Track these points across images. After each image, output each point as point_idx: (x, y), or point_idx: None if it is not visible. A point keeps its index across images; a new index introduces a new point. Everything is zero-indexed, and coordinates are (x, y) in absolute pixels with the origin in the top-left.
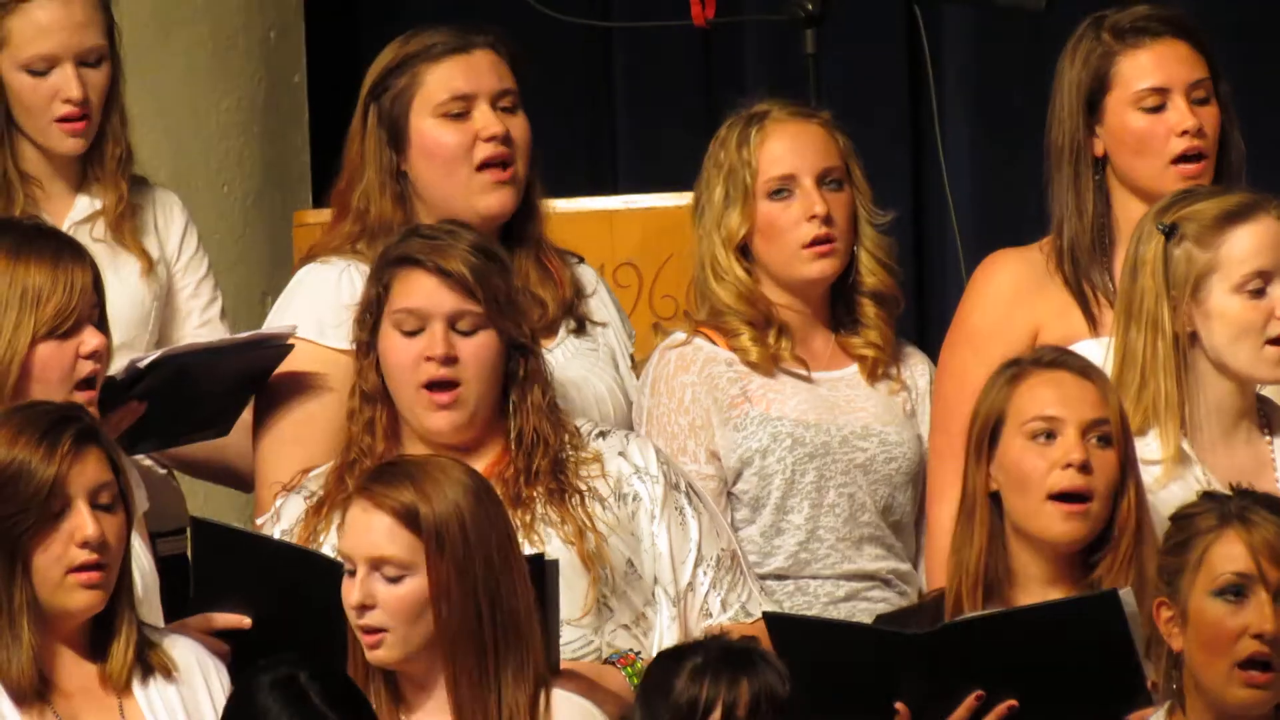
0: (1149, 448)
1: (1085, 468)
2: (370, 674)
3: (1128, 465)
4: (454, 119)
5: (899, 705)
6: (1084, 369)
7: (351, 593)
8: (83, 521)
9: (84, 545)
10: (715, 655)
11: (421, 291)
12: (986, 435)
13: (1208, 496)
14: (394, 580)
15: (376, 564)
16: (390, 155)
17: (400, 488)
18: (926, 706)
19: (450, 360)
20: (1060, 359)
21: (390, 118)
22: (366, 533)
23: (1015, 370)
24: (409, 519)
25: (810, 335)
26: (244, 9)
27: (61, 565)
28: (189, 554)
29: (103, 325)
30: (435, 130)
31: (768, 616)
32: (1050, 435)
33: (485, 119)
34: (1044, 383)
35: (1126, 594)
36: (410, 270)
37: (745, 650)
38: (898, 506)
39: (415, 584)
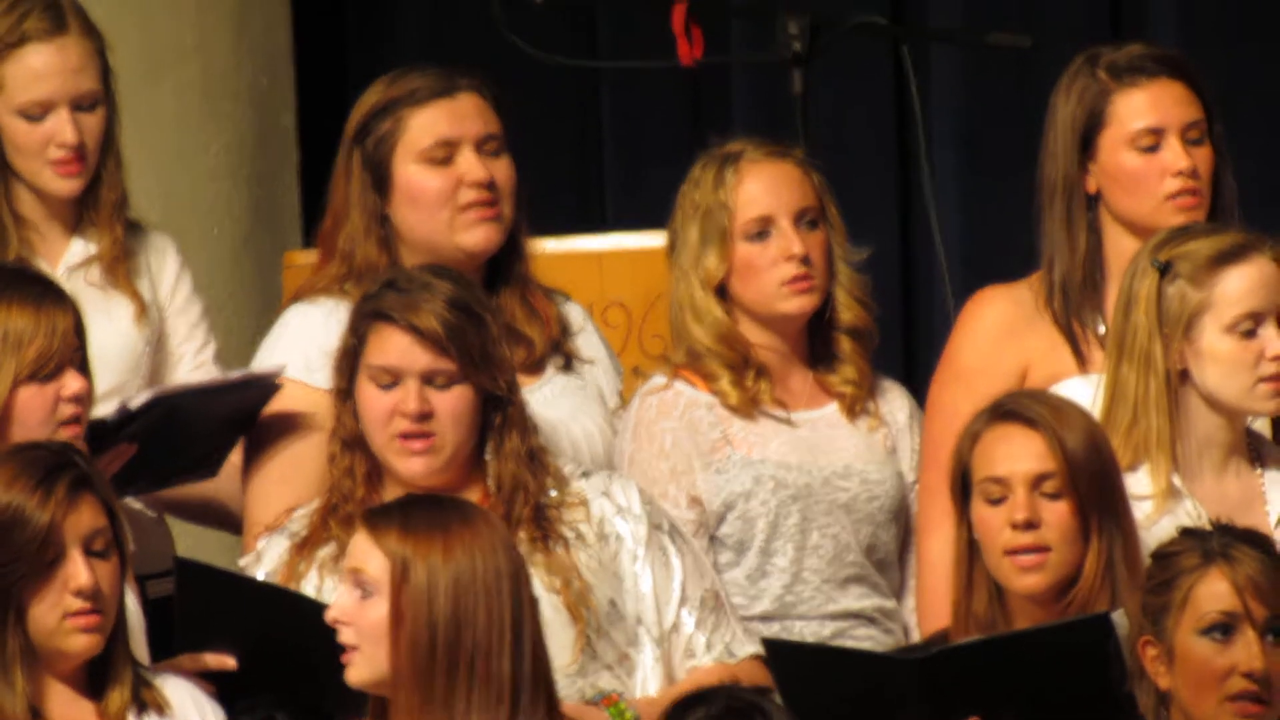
0: (1139, 483)
1: (1030, 526)
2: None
3: (1091, 511)
4: (438, 164)
5: None
6: (1033, 419)
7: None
8: (77, 570)
9: (78, 594)
10: (719, 709)
11: (395, 349)
12: (958, 489)
13: (1188, 534)
14: (365, 596)
15: (356, 579)
16: (374, 199)
17: (392, 516)
18: None
19: (424, 416)
20: (1011, 410)
21: (374, 162)
22: (353, 547)
23: (980, 424)
24: (383, 539)
25: (789, 374)
26: (234, 52)
27: (57, 612)
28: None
29: (84, 369)
30: (419, 176)
31: (766, 643)
32: (1000, 496)
33: (469, 164)
34: (994, 440)
35: (1119, 616)
36: (384, 326)
37: (751, 704)
38: (881, 545)
39: (381, 604)
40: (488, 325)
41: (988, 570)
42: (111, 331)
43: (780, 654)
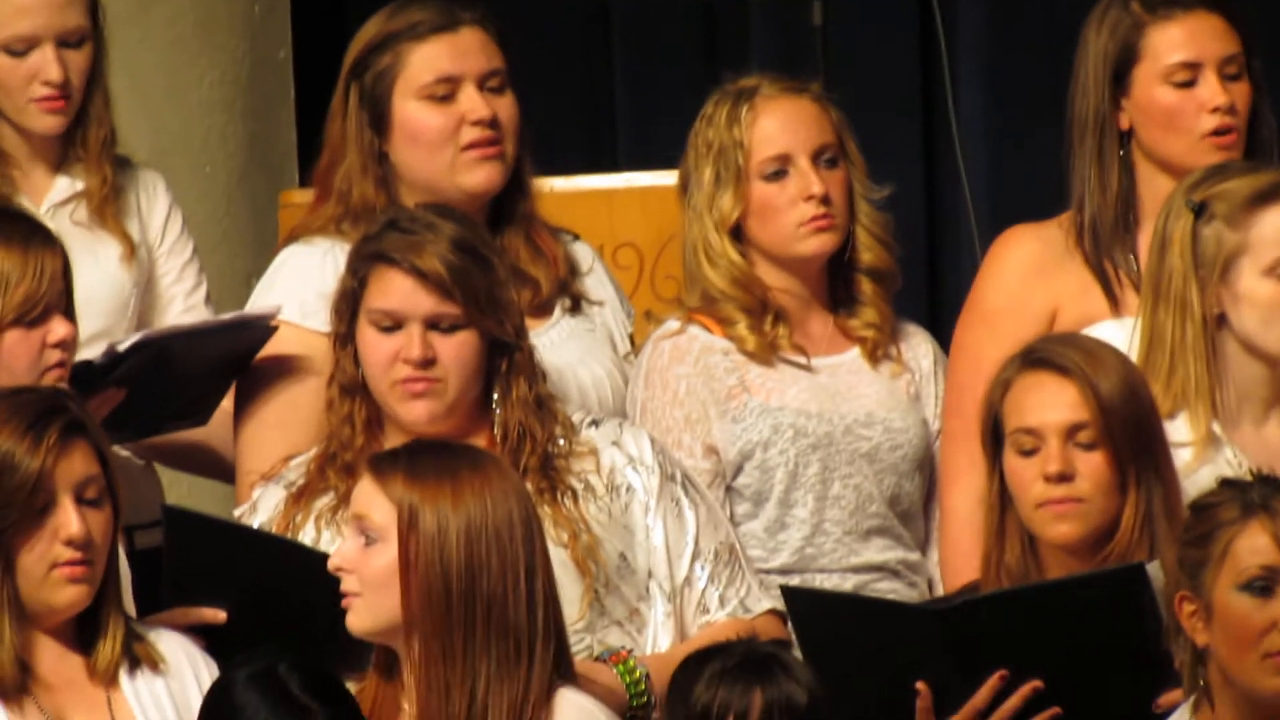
0: (1179, 431)
1: (1064, 478)
2: (382, 658)
3: (1128, 461)
4: (439, 101)
5: (920, 685)
6: (1066, 367)
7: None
8: (68, 519)
9: (69, 543)
10: (735, 661)
11: (397, 292)
12: (989, 441)
13: (1227, 484)
14: (368, 544)
15: (359, 525)
16: (372, 137)
17: (398, 461)
18: (949, 686)
19: (428, 362)
20: (1043, 357)
21: (372, 98)
22: (357, 493)
23: (1011, 371)
24: (389, 485)
25: (808, 319)
26: None
27: (45, 562)
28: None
29: (70, 314)
30: (419, 113)
31: (784, 591)
32: (1033, 448)
33: (472, 101)
34: (1026, 389)
35: (1154, 568)
36: (386, 268)
37: (767, 656)
38: (905, 495)
39: (386, 551)
40: (494, 267)
41: (1020, 521)
42: (98, 273)
43: (799, 602)
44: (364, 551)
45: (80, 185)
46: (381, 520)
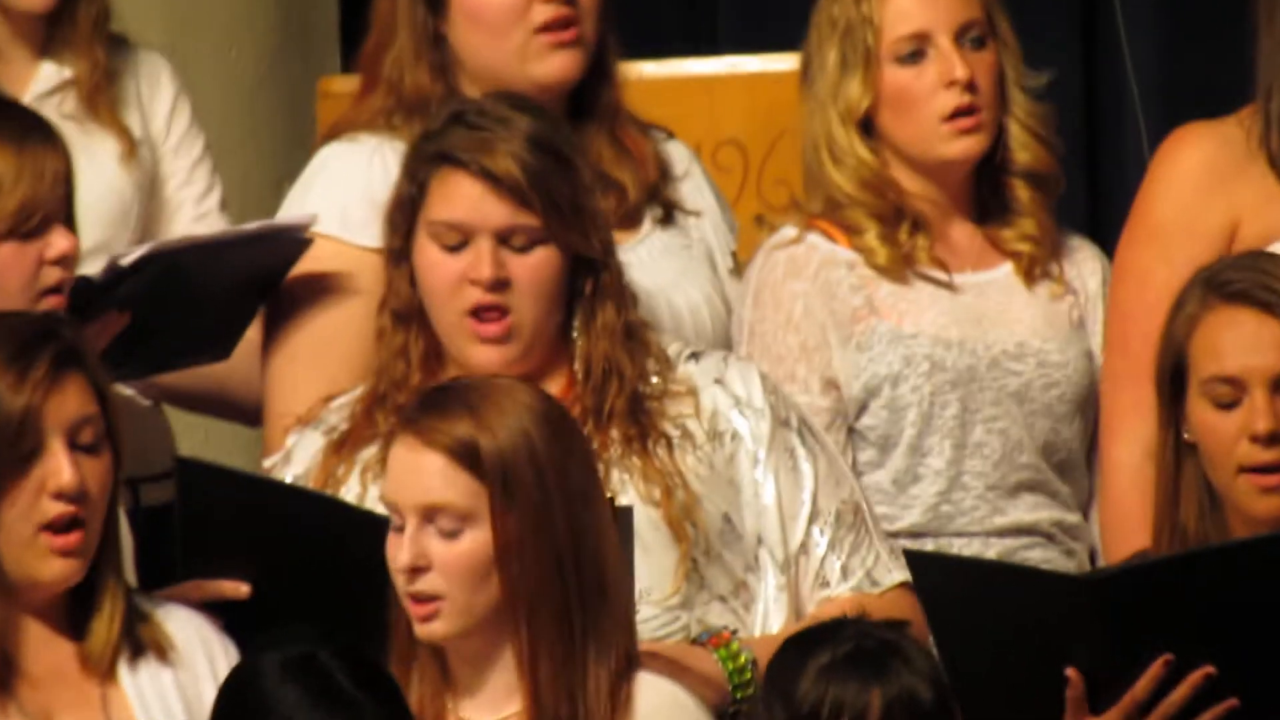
0: None
1: (1275, 437)
2: (415, 652)
3: None
4: None
5: (1070, 672)
6: (1270, 302)
7: (399, 552)
8: (59, 466)
9: (59, 496)
10: (847, 652)
11: (465, 200)
12: (1168, 385)
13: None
14: (451, 535)
15: (429, 514)
16: (426, 15)
17: (455, 418)
18: (1104, 672)
19: (500, 285)
20: (1243, 289)
21: None
22: (415, 475)
23: (1195, 304)
24: (467, 457)
25: (950, 229)
26: None
27: (31, 521)
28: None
29: (72, 225)
30: None
31: (907, 556)
32: (1233, 397)
33: None
34: (1222, 326)
35: None
36: (451, 171)
37: (884, 646)
38: (1062, 443)
39: (478, 538)
40: (578, 170)
41: (1199, 479)
42: (93, 175)
43: (926, 570)
44: (446, 545)
45: (68, 72)
46: (468, 504)
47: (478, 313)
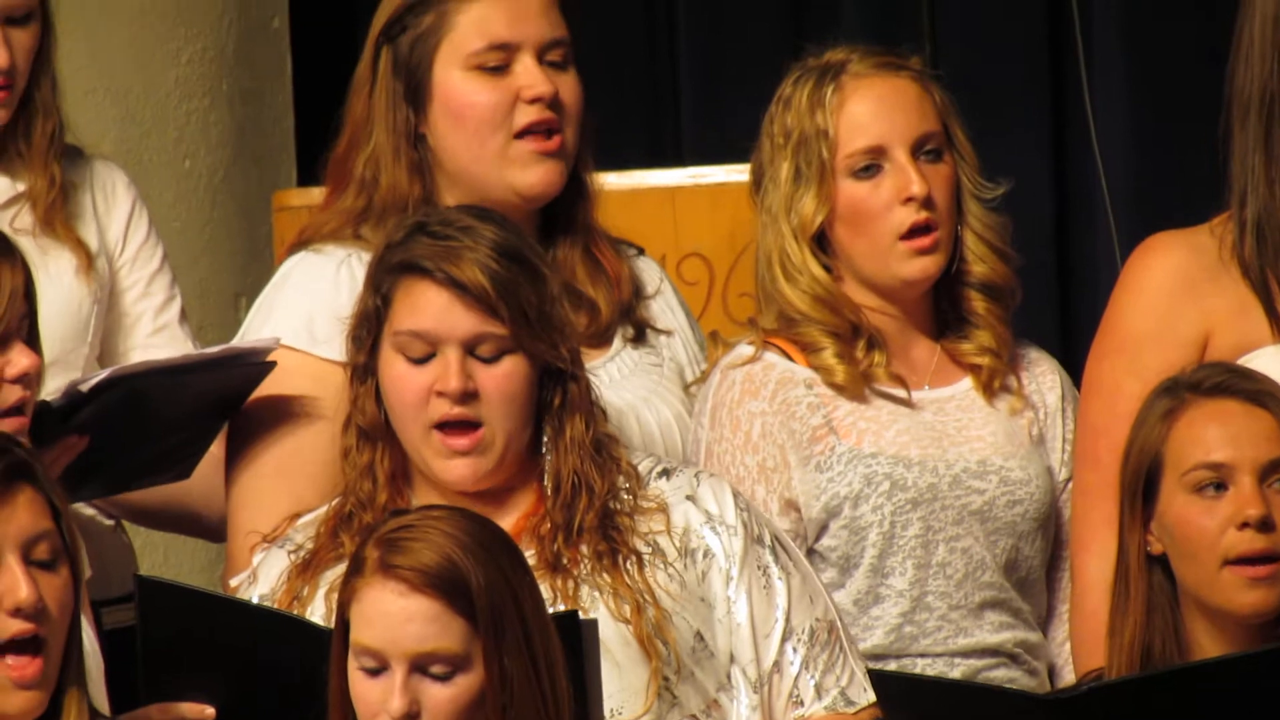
0: None
1: (1266, 524)
2: None
3: None
4: (490, 73)
5: None
6: (1257, 394)
7: (391, 697)
8: (14, 580)
9: (16, 613)
10: None
11: (431, 310)
12: (1140, 485)
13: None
14: (444, 678)
15: (422, 662)
16: (407, 113)
17: (434, 559)
18: None
19: (469, 396)
20: (1226, 383)
21: (408, 66)
22: (406, 624)
23: (1171, 402)
24: (459, 600)
25: (909, 345)
26: None
27: None
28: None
29: (34, 341)
30: (466, 86)
31: (873, 675)
32: (1220, 486)
33: (530, 75)
34: (1206, 418)
35: None
36: (417, 281)
37: None
38: (1024, 561)
39: (471, 680)
40: (545, 279)
41: (1168, 593)
42: (50, 289)
43: (890, 689)
44: (440, 689)
45: (22, 186)
46: (462, 648)
47: (446, 426)
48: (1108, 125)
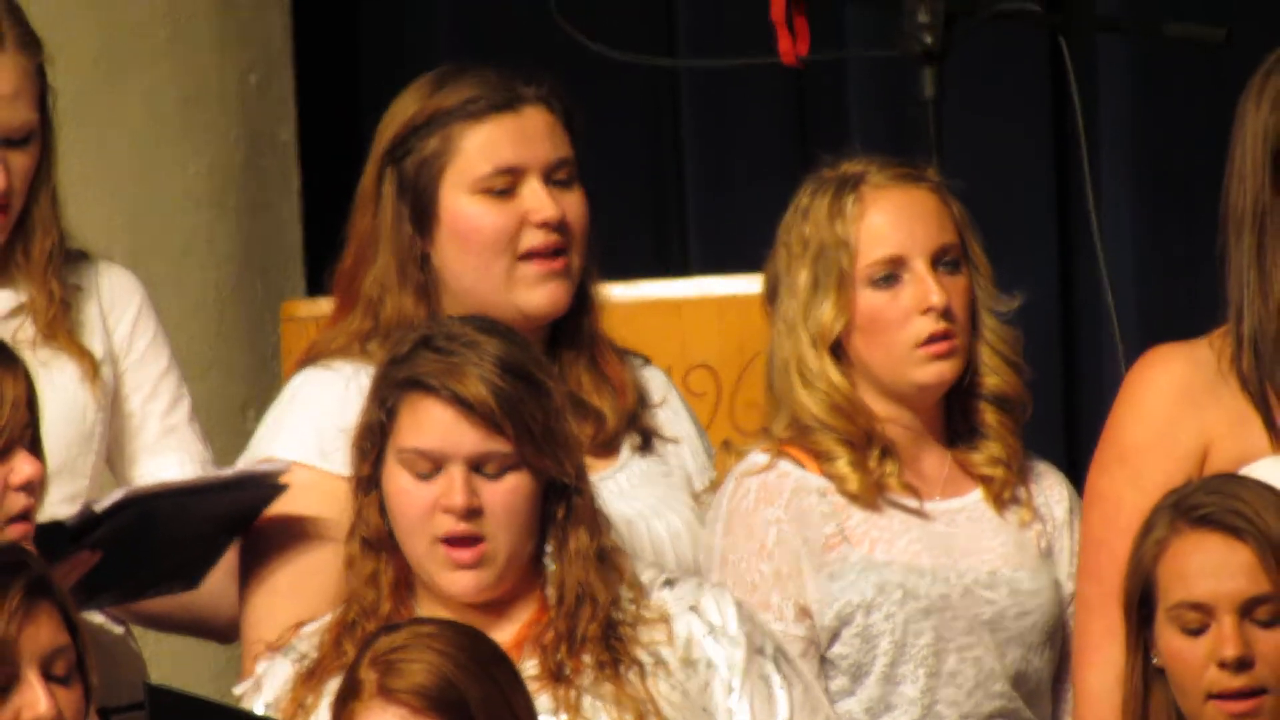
0: None
1: (1243, 664)
2: None
3: None
4: (497, 196)
5: None
6: (1236, 527)
7: None
8: (35, 697)
9: None
10: None
11: (436, 428)
12: (1135, 610)
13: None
14: None
15: None
16: (413, 236)
17: (432, 680)
18: None
19: (473, 513)
20: (1209, 514)
21: (415, 189)
22: None
23: (1164, 528)
24: (460, 719)
25: (921, 455)
26: (217, 46)
27: None
28: None
29: (36, 450)
30: (473, 210)
31: None
32: (1201, 624)
33: (537, 199)
34: (1189, 552)
35: None
36: (421, 398)
37: None
38: (1033, 672)
39: None
40: (549, 393)
41: (1171, 705)
42: (54, 398)
43: None
44: None
45: (23, 297)
46: None
47: (451, 541)
48: (1114, 239)
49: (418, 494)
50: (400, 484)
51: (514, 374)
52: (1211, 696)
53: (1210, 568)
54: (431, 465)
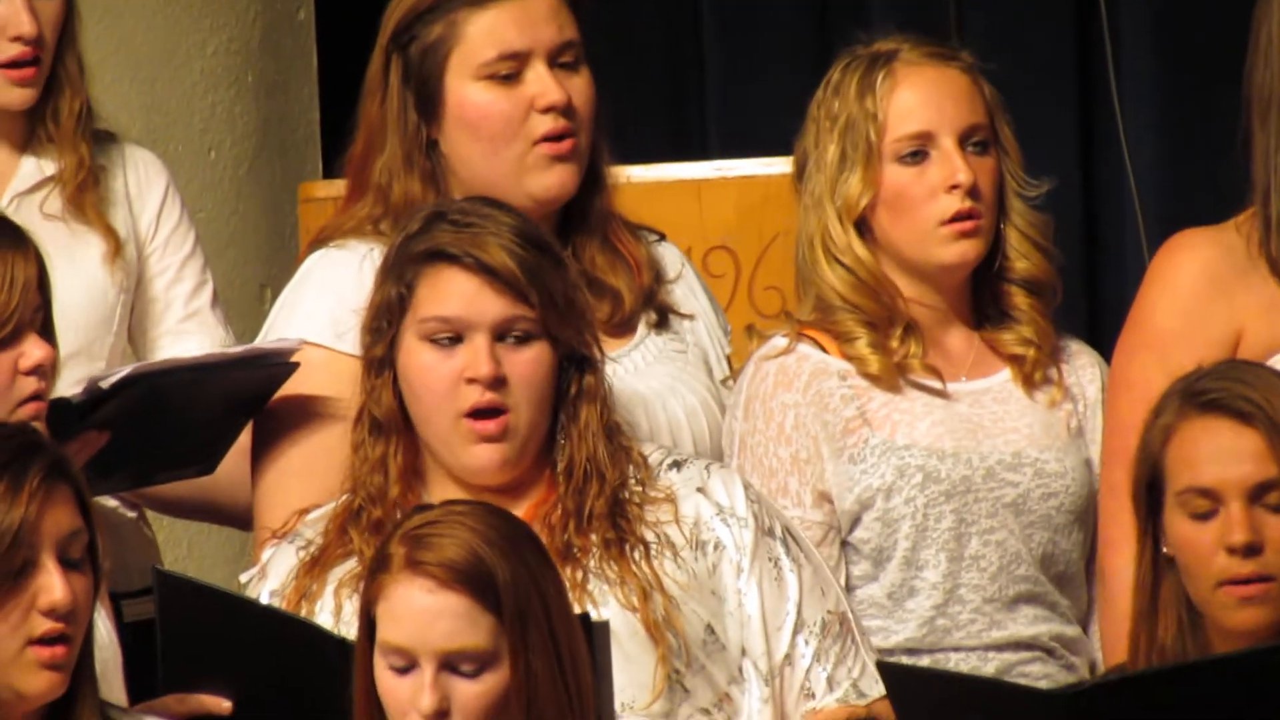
0: None
1: (1252, 550)
2: None
3: None
4: (502, 81)
5: None
6: (1244, 411)
7: (421, 695)
8: (51, 583)
9: (50, 612)
10: None
11: (459, 295)
12: (1145, 497)
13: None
14: (473, 675)
15: (452, 659)
16: (418, 123)
17: (461, 554)
18: None
19: (498, 382)
20: (1215, 399)
21: (420, 76)
22: (435, 621)
23: (1173, 413)
24: (487, 596)
25: (946, 335)
26: None
27: (20, 636)
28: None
29: (47, 333)
30: (479, 97)
31: (881, 667)
32: (1210, 509)
33: (543, 83)
34: (1196, 437)
35: None
36: (444, 268)
37: None
38: (1061, 555)
39: (499, 677)
40: (566, 265)
41: (1178, 593)
42: (75, 277)
43: (899, 683)
44: (469, 685)
45: (50, 169)
46: (492, 645)
47: (475, 414)
48: (1136, 121)
49: (441, 368)
50: (421, 360)
51: (533, 244)
52: (1221, 584)
53: (1218, 453)
54: (453, 334)
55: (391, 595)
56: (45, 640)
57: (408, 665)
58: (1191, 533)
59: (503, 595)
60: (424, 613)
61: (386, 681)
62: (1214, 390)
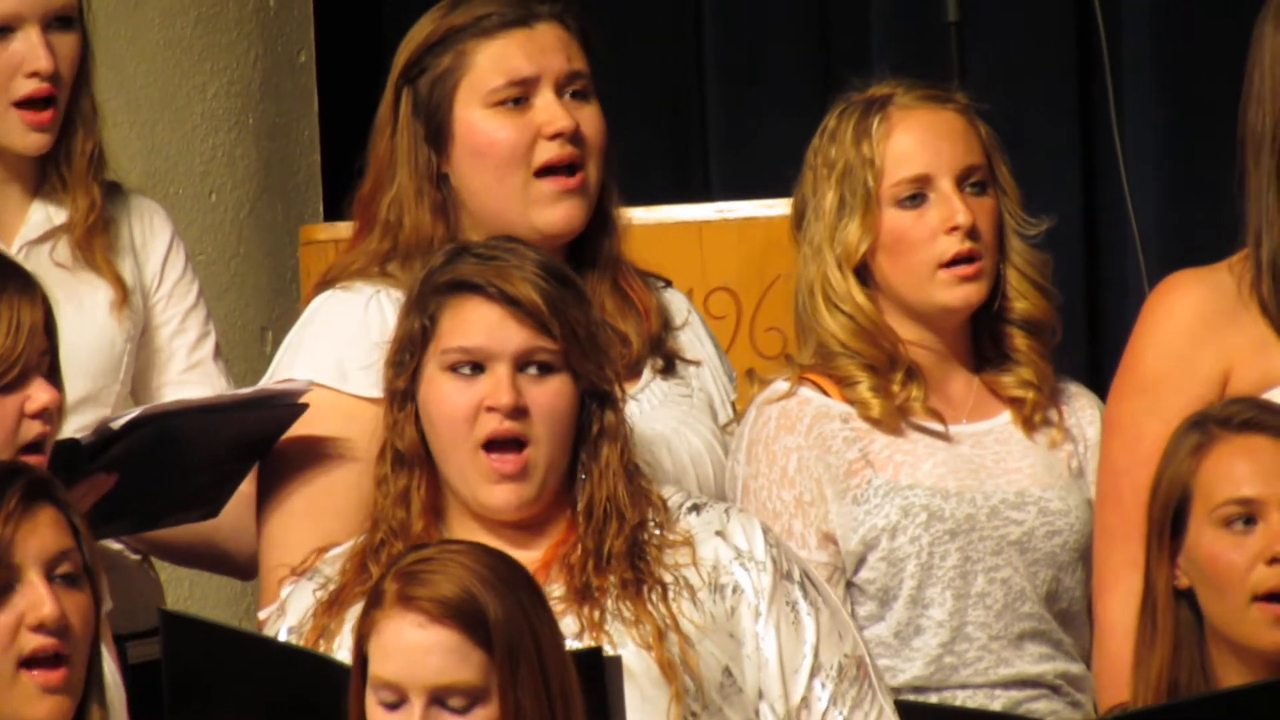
0: None
1: None
2: None
3: None
4: (511, 109)
5: None
6: None
7: None
8: (38, 598)
9: (39, 628)
10: None
11: (482, 325)
12: (1168, 520)
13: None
14: (462, 711)
15: (441, 694)
16: (428, 154)
17: (453, 590)
18: None
19: (519, 412)
20: (1256, 419)
21: (429, 107)
22: (425, 656)
23: (1200, 437)
24: (478, 632)
25: (947, 379)
26: None
27: (11, 657)
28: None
29: (54, 377)
30: (486, 124)
31: (901, 707)
32: (1249, 521)
33: (550, 110)
34: (1235, 453)
35: None
36: (467, 298)
37: None
38: (1065, 592)
39: (488, 713)
40: (589, 301)
41: (1195, 629)
42: (83, 324)
43: (911, 717)
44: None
45: (60, 218)
46: (481, 680)
47: (493, 447)
48: (1138, 162)
49: (461, 396)
50: (442, 389)
51: (557, 278)
52: (1258, 598)
53: (1260, 467)
54: (475, 365)
55: (383, 630)
56: (40, 661)
57: (398, 700)
58: (1227, 548)
59: (494, 631)
60: (414, 648)
61: (377, 717)
62: (1246, 414)
